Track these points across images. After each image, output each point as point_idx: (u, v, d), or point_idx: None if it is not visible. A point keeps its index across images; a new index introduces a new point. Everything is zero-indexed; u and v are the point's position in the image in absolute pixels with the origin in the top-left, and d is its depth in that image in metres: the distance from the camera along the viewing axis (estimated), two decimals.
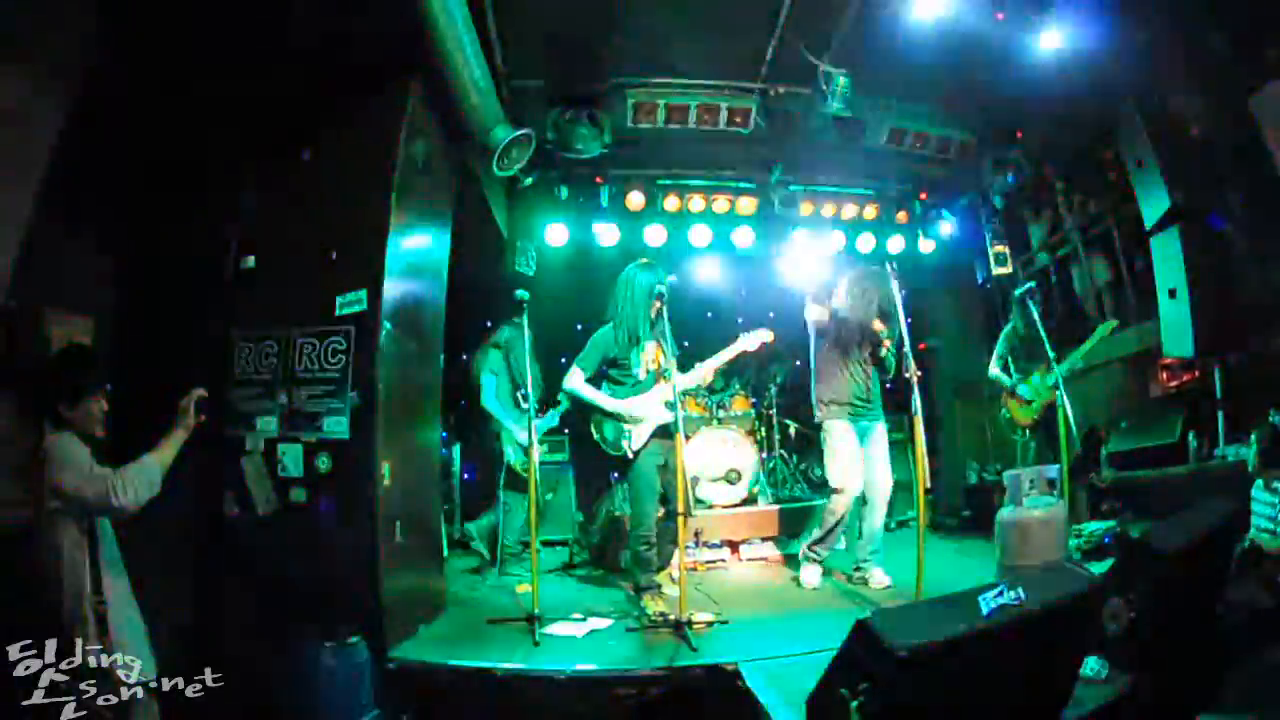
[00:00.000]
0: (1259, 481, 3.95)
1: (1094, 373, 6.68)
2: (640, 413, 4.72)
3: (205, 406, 3.04)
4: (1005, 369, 6.00)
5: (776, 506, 6.76)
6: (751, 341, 4.90)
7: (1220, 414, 5.47)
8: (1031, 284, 5.71)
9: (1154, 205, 5.63)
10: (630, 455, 4.72)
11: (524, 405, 5.93)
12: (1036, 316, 5.40)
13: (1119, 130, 5.81)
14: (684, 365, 4.87)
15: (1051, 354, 5.31)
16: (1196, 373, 5.76)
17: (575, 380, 4.80)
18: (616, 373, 4.81)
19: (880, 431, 5.21)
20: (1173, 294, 5.51)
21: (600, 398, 4.79)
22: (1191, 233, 5.47)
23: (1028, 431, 5.98)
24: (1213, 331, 5.37)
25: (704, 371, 4.93)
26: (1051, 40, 4.95)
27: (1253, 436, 4.03)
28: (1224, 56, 5.09)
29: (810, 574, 5.26)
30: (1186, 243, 5.45)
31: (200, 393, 3.02)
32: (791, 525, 6.60)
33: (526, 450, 5.97)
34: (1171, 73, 5.43)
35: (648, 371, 4.80)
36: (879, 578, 5.06)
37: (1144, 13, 5.00)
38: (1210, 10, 4.95)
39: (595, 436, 4.87)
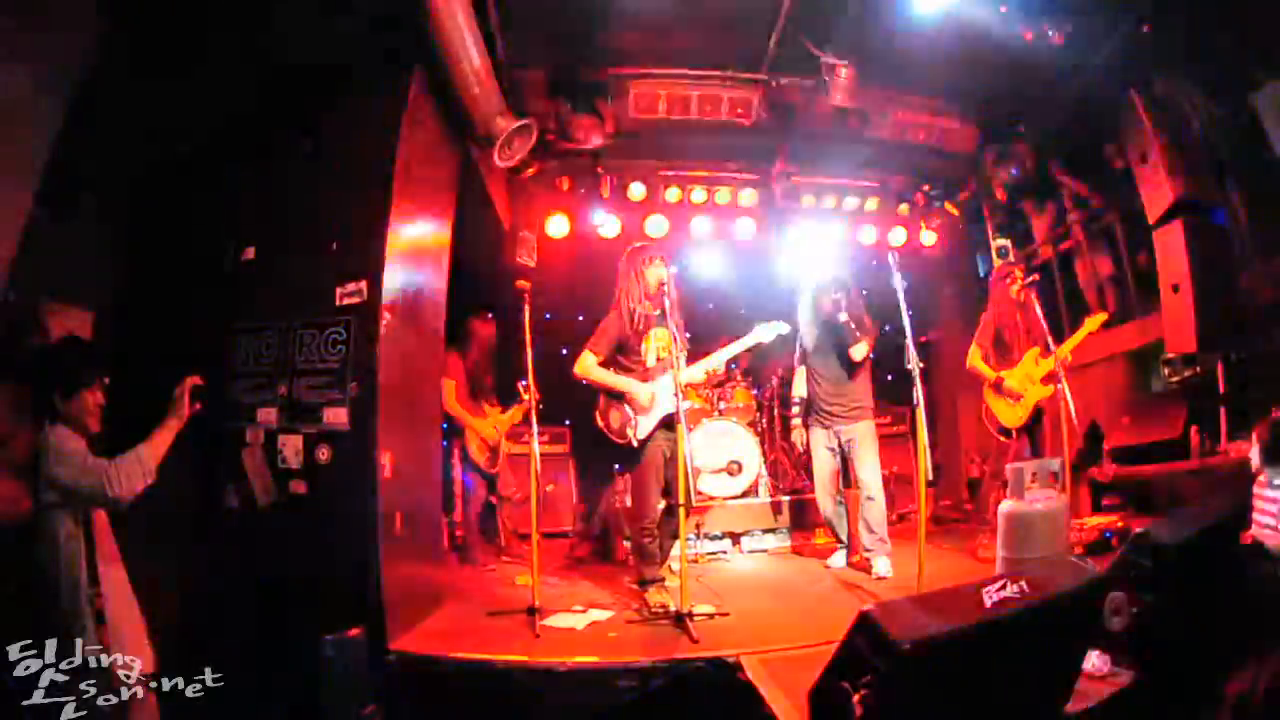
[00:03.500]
0: (1261, 478, 3.93)
1: (1095, 367, 6.67)
2: (647, 396, 4.67)
3: (200, 394, 3.02)
4: (985, 361, 5.72)
5: (778, 499, 6.75)
6: (767, 333, 4.87)
7: (1222, 410, 5.45)
8: (1034, 277, 5.65)
9: (1157, 199, 5.61)
10: (635, 444, 4.68)
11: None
12: (1039, 308, 5.37)
13: (1122, 124, 5.79)
14: (689, 357, 4.85)
15: (1052, 343, 5.27)
16: (1199, 368, 5.73)
17: (587, 364, 4.75)
18: (625, 360, 4.79)
19: (862, 430, 5.34)
20: (1175, 288, 5.49)
21: (612, 379, 4.74)
22: (1194, 227, 5.45)
23: (1014, 433, 5.62)
24: (1215, 326, 5.35)
25: (714, 362, 4.91)
26: (1055, 33, 4.92)
27: (1255, 433, 4.01)
28: (1227, 52, 5.07)
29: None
30: (1189, 237, 5.43)
31: (194, 381, 3.01)
32: (792, 517, 6.60)
33: (495, 447, 6.12)
34: (1174, 68, 5.41)
35: (656, 359, 4.77)
36: (881, 567, 5.10)
37: (1148, 7, 4.98)
38: (1214, 6, 4.92)
39: (600, 424, 4.82)
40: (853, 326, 5.24)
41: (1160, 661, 2.96)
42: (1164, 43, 5.17)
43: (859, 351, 5.26)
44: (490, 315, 6.40)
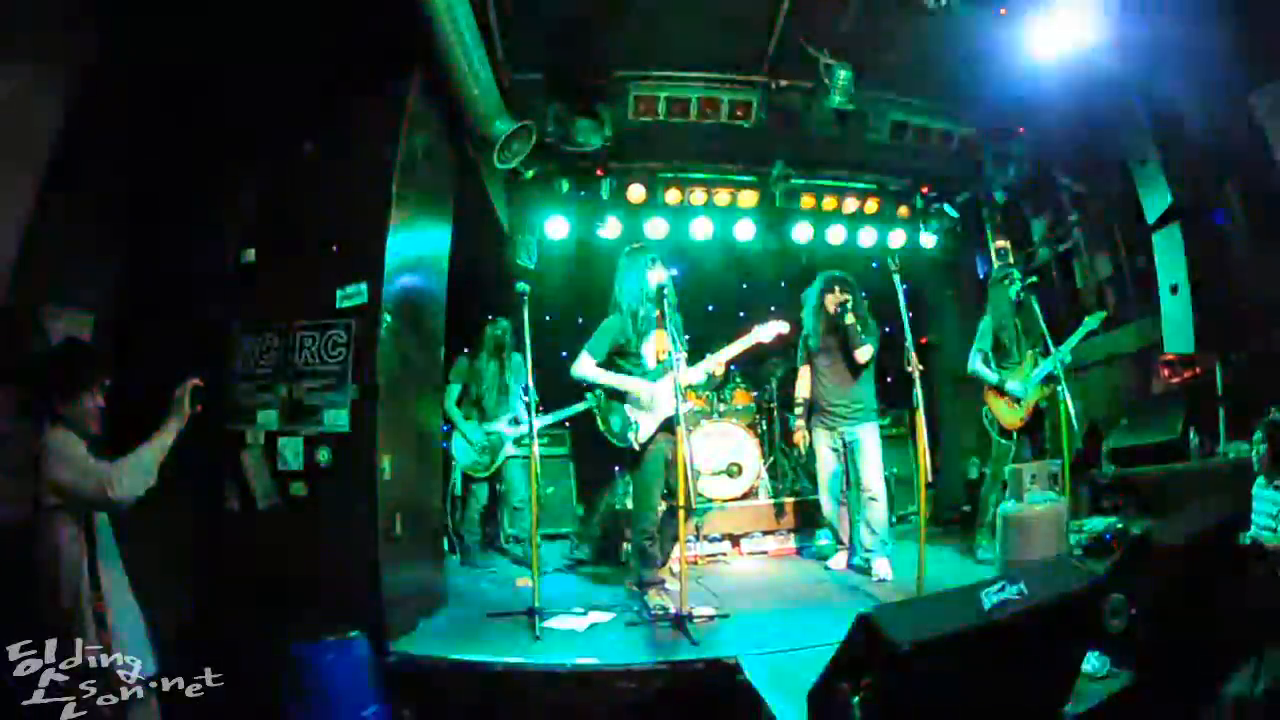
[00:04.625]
0: (1261, 479, 3.93)
1: (1095, 368, 6.67)
2: (648, 394, 4.64)
3: (201, 396, 3.02)
4: (986, 363, 5.69)
5: (778, 500, 6.75)
6: (767, 333, 4.79)
7: (1221, 411, 5.45)
8: (1034, 279, 5.66)
9: (1155, 201, 5.61)
10: (636, 447, 4.65)
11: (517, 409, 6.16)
12: (1038, 310, 5.37)
13: (1121, 125, 5.79)
14: (689, 359, 4.79)
15: (1051, 344, 5.28)
16: (1198, 369, 5.73)
17: (586, 365, 4.69)
18: (625, 362, 4.74)
19: (865, 432, 5.35)
20: (1174, 290, 5.50)
21: (615, 377, 4.69)
22: (1193, 229, 5.45)
23: (1014, 435, 5.58)
24: (1214, 328, 5.36)
25: (714, 363, 4.83)
26: (1054, 35, 4.92)
27: (1257, 434, 4.00)
28: (1226, 53, 5.07)
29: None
30: (1188, 239, 5.44)
31: (195, 382, 3.01)
32: (792, 519, 6.60)
33: (486, 449, 6.15)
34: (1173, 69, 5.41)
35: (657, 361, 4.73)
36: (881, 569, 5.10)
37: (1147, 9, 4.98)
38: (1213, 7, 4.92)
39: (601, 428, 4.80)
40: (857, 329, 5.24)
41: (1160, 662, 2.97)
42: (1164, 44, 5.17)
43: (864, 354, 5.27)
44: (503, 320, 6.38)
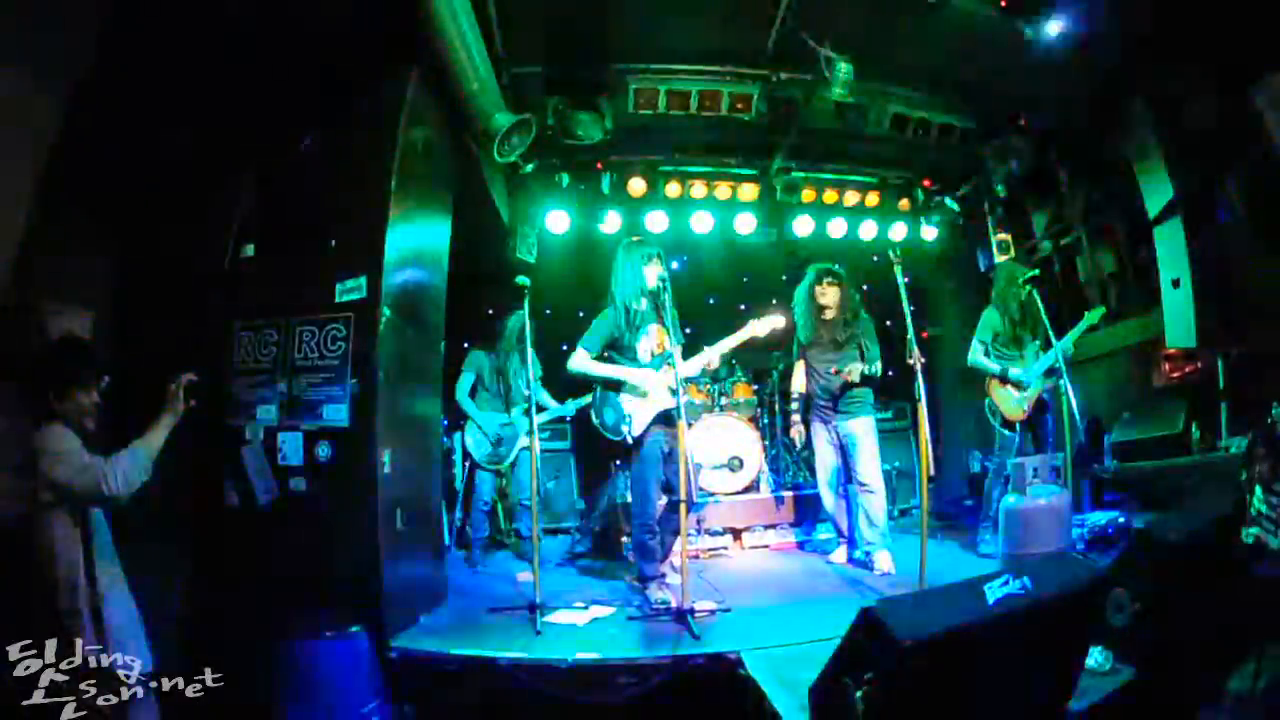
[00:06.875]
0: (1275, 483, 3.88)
1: (1096, 363, 6.66)
2: (647, 387, 4.63)
3: (195, 391, 3.02)
4: (986, 355, 5.67)
5: (779, 494, 6.75)
6: (762, 327, 4.74)
7: (1223, 405, 5.44)
8: (1035, 271, 5.64)
9: (1157, 195, 5.59)
10: (630, 441, 4.64)
11: (525, 395, 6.03)
12: (1039, 303, 5.35)
13: (1122, 119, 5.77)
14: (687, 353, 4.78)
15: (1053, 337, 5.26)
16: (1199, 363, 5.72)
17: (581, 360, 4.70)
18: (619, 356, 4.73)
19: (862, 426, 5.33)
20: (1176, 284, 5.48)
21: (610, 368, 4.68)
22: (1194, 223, 5.43)
23: (1016, 427, 5.58)
24: (1216, 322, 5.34)
25: (710, 356, 4.80)
26: (1056, 27, 4.91)
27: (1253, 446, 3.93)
28: (1225, 45, 5.04)
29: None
30: (1190, 233, 5.42)
31: (189, 377, 3.01)
32: (794, 512, 6.60)
33: (495, 443, 6.07)
34: (1174, 62, 5.38)
35: (652, 356, 4.71)
36: (883, 563, 5.10)
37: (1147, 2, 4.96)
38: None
39: (595, 422, 4.81)
40: (855, 381, 5.27)
41: (1162, 658, 2.96)
42: (1164, 37, 5.15)
43: (854, 374, 5.29)
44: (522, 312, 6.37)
